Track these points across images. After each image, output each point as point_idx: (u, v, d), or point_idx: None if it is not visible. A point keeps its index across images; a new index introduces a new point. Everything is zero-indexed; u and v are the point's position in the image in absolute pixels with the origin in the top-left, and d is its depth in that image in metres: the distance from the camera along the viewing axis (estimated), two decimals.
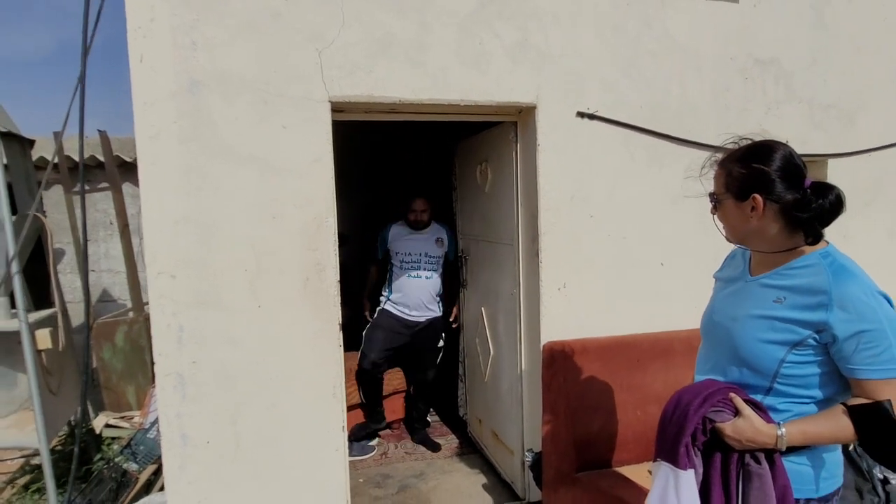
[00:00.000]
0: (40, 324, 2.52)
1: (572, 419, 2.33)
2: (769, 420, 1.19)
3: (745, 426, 1.17)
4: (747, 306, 1.29)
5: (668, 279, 2.64)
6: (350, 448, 3.05)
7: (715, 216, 1.36)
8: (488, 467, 3.16)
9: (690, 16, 2.61)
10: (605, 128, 2.52)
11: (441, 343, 3.51)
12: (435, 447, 3.44)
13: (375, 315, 3.44)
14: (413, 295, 3.34)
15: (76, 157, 3.76)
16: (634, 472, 2.29)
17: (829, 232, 3.19)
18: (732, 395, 1.23)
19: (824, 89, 2.86)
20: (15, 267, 2.35)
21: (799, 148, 2.78)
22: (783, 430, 1.15)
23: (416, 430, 3.58)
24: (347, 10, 2.14)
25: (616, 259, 2.56)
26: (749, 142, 1.32)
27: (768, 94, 2.75)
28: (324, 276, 2.20)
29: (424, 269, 3.34)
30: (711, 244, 2.67)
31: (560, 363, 2.36)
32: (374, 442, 3.52)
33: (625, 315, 2.58)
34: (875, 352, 1.11)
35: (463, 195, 3.49)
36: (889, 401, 1.10)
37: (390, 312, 3.38)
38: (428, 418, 3.73)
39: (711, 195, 1.34)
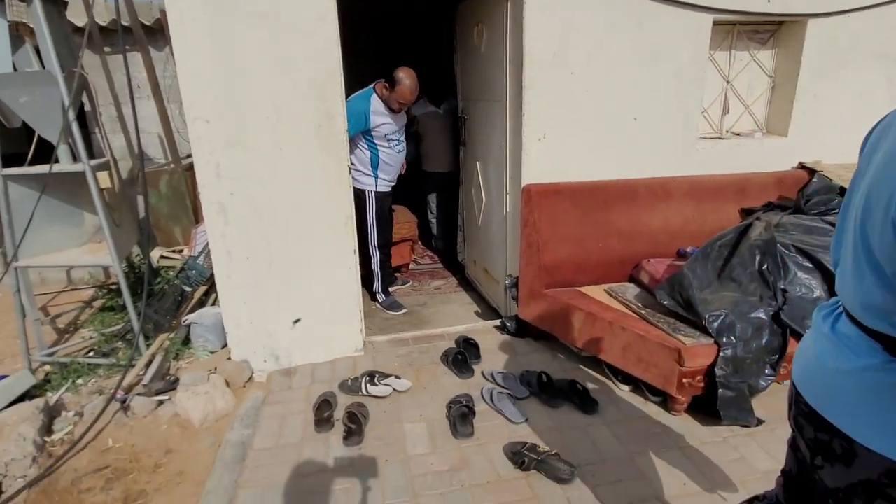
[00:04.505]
0: (97, 168, 2.98)
1: (544, 249, 2.80)
2: None
3: None
4: None
5: (639, 133, 2.96)
6: (383, 305, 3.60)
7: None
8: (480, 299, 3.75)
9: None
10: None
11: None
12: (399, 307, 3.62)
13: (374, 204, 3.41)
14: (396, 167, 3.47)
15: (99, 21, 4.00)
16: (592, 291, 2.81)
17: (800, 92, 3.43)
18: None
19: None
20: (72, 115, 2.75)
21: (779, 7, 2.96)
22: None
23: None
24: None
25: (592, 113, 2.87)
26: None
27: None
28: (333, 123, 2.57)
29: (403, 141, 3.47)
30: (684, 102, 2.98)
31: (536, 202, 2.79)
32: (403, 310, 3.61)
33: (597, 163, 2.94)
34: None
35: (463, 58, 3.70)
36: None
37: (386, 193, 3.47)
38: (430, 262, 4.27)
39: None
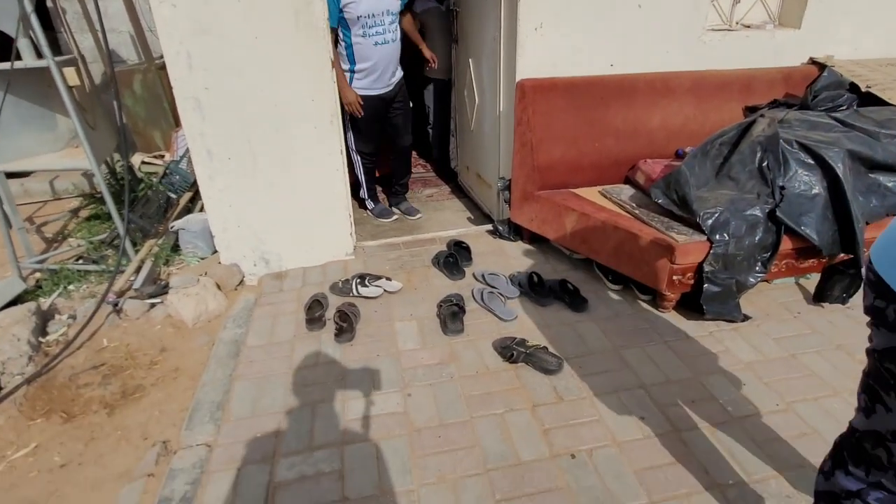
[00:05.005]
0: (64, 64, 2.78)
1: (538, 148, 2.70)
2: None
3: None
4: None
5: (643, 22, 2.76)
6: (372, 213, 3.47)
7: None
8: (473, 206, 3.69)
9: None
10: None
11: (409, 102, 3.31)
12: (414, 212, 3.50)
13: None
14: (382, 65, 2.93)
15: None
16: (586, 192, 2.75)
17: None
18: None
19: None
20: (28, 6, 2.52)
21: None
22: None
23: (398, 195, 3.60)
24: None
25: (594, 0, 2.65)
26: None
27: None
28: (312, 9, 2.37)
29: (390, 31, 2.87)
30: None
31: (530, 98, 2.65)
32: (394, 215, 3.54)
33: (596, 56, 2.76)
34: None
35: None
36: None
37: (364, 97, 2.98)
38: (422, 171, 4.12)
39: None
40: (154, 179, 3.26)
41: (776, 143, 2.35)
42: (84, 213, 3.77)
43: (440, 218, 3.57)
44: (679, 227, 2.31)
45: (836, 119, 2.56)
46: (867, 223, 2.35)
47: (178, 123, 3.55)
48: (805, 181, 2.30)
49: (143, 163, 3.39)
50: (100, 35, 3.92)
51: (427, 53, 3.44)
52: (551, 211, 2.68)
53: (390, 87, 3.07)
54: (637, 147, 2.81)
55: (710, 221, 2.23)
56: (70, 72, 2.73)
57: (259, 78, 2.43)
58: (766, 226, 2.25)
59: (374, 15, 2.79)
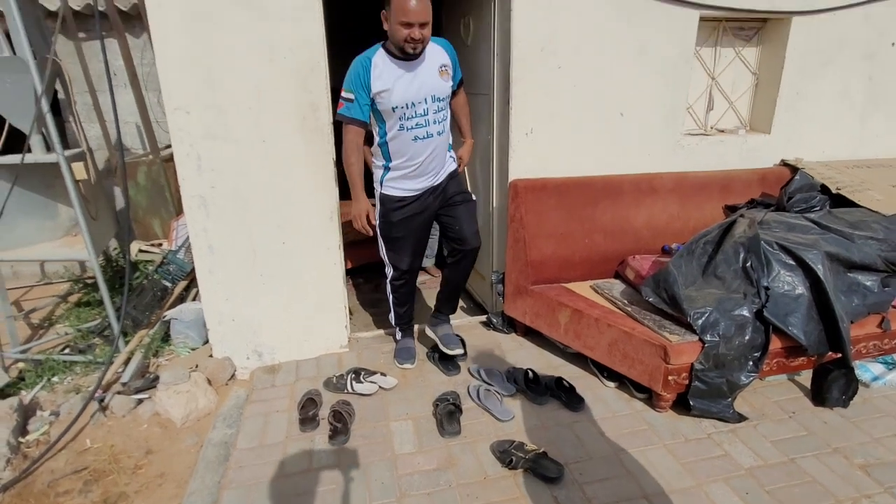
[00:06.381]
0: (72, 158, 2.88)
1: (531, 245, 2.79)
2: None
3: None
4: None
5: (625, 128, 2.96)
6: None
7: None
8: (467, 295, 3.73)
9: None
10: None
11: (471, 194, 2.60)
12: (454, 344, 2.68)
13: (378, 206, 2.47)
14: (425, 163, 2.35)
15: (73, 6, 3.86)
16: (578, 287, 2.81)
17: (783, 90, 3.45)
18: None
19: None
20: (45, 105, 2.64)
21: (765, 4, 2.97)
22: None
23: (440, 314, 2.81)
24: None
25: (579, 108, 2.85)
26: None
27: None
28: (318, 115, 2.52)
29: (435, 123, 2.29)
30: (669, 97, 2.98)
31: (523, 197, 2.77)
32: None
33: (583, 158, 2.93)
34: None
35: None
36: None
37: (399, 198, 2.41)
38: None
39: None
40: (150, 268, 3.28)
41: (758, 245, 2.46)
42: (73, 299, 3.74)
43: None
44: (671, 326, 2.36)
45: (811, 220, 2.70)
46: (851, 322, 2.42)
47: (178, 212, 3.62)
48: (788, 281, 2.39)
49: (141, 251, 3.42)
50: (112, 128, 4.08)
51: (465, 155, 2.64)
52: (545, 306, 2.73)
53: (438, 179, 2.46)
54: (625, 243, 2.92)
55: (700, 321, 2.28)
56: (78, 166, 2.82)
57: (263, 177, 2.52)
58: (755, 325, 2.31)
59: (413, 104, 2.22)
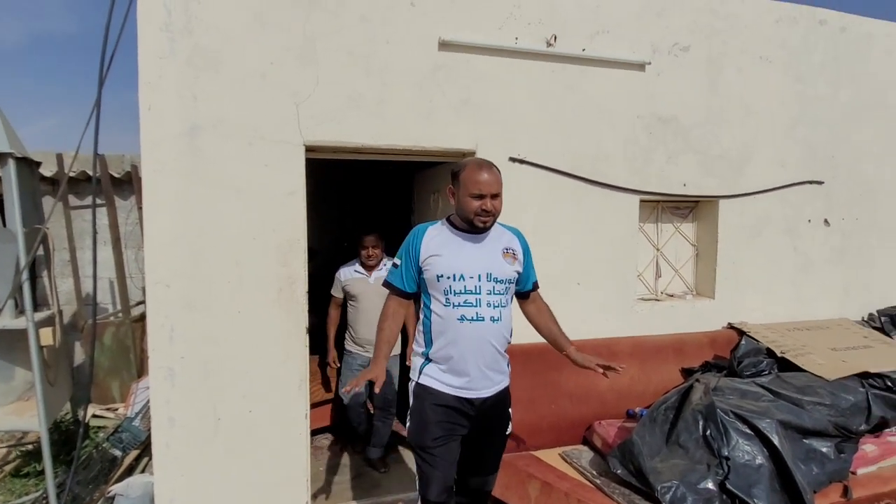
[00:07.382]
0: (41, 323, 2.88)
1: None
2: None
3: None
4: None
5: (582, 296, 3.18)
6: None
7: None
8: None
9: (605, 81, 3.19)
10: (533, 170, 3.06)
11: (510, 426, 2.20)
12: None
13: (412, 401, 2.05)
14: (467, 353, 1.96)
15: (69, 173, 4.12)
16: (547, 455, 2.80)
17: (720, 259, 3.79)
18: None
19: (716, 143, 3.47)
20: (25, 275, 2.72)
21: (695, 190, 3.40)
22: None
23: None
24: (322, 73, 2.62)
25: (539, 279, 3.08)
26: None
27: (668, 146, 3.35)
28: (294, 287, 2.65)
29: (489, 306, 1.96)
30: (620, 270, 3.27)
31: None
32: None
33: None
34: None
35: (420, 220, 3.98)
36: None
37: (440, 393, 1.98)
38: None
39: None
40: (101, 435, 3.12)
41: (714, 413, 2.55)
42: (9, 467, 3.46)
43: (402, 472, 3.46)
44: (641, 502, 2.33)
45: (762, 386, 2.85)
46: (815, 491, 2.45)
47: (140, 374, 3.54)
48: (748, 451, 2.45)
49: (94, 416, 3.28)
50: (85, 283, 4.13)
51: (587, 361, 2.26)
52: (514, 477, 2.68)
53: (485, 393, 2.02)
54: (591, 408, 2.97)
55: (668, 496, 2.28)
56: (46, 332, 2.81)
57: (234, 346, 2.57)
58: (721, 499, 2.31)
59: (462, 276, 1.93)
